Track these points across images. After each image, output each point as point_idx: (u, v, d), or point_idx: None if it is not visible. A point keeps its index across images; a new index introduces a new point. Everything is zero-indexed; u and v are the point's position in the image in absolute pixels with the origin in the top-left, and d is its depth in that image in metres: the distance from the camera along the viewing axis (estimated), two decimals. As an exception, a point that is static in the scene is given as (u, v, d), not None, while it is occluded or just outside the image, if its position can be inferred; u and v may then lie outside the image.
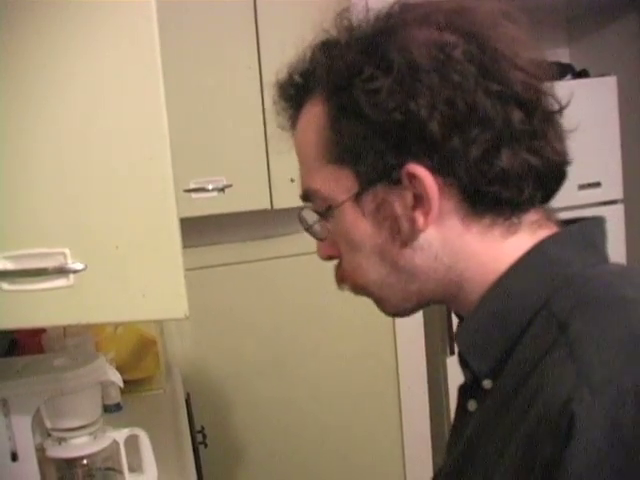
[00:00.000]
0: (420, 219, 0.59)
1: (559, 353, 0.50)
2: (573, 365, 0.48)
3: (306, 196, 0.68)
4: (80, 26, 0.71)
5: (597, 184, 2.11)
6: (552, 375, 0.50)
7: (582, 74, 2.34)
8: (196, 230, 1.77)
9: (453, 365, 2.07)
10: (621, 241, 2.16)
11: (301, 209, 0.69)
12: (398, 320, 2.01)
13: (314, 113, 0.64)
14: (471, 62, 0.56)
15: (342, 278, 0.68)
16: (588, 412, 0.46)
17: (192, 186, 1.58)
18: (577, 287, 0.56)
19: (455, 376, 2.39)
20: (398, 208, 0.60)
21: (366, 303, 0.68)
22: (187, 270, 0.75)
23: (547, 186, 0.61)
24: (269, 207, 1.72)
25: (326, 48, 0.63)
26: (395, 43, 0.57)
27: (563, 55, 2.55)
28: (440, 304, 0.66)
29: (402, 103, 0.56)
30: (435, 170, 0.57)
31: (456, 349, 0.66)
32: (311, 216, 0.68)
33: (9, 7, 0.69)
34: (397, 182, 0.59)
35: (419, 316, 2.03)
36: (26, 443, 0.89)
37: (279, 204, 1.72)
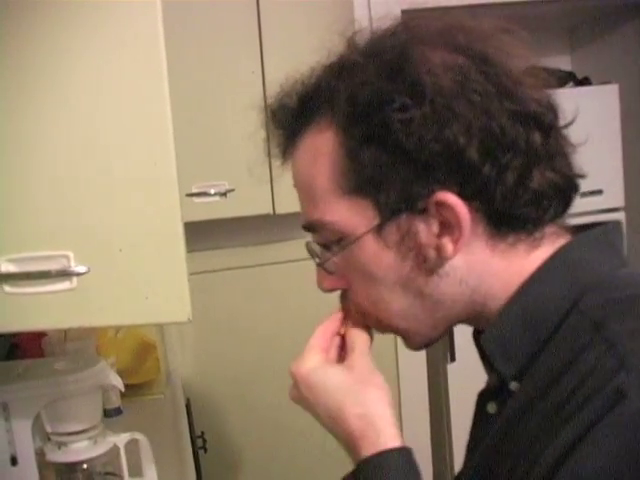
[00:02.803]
0: (448, 246, 0.57)
1: (598, 350, 0.51)
2: (613, 358, 0.49)
3: (312, 228, 0.64)
4: (83, 29, 0.71)
5: (599, 192, 2.11)
6: (595, 369, 0.50)
7: (584, 82, 2.35)
8: (198, 234, 1.77)
9: (454, 372, 2.07)
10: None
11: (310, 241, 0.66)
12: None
13: (322, 141, 0.60)
14: (488, 82, 0.55)
15: (364, 315, 0.66)
16: (633, 383, 0.47)
17: (194, 190, 1.58)
18: (606, 287, 0.56)
19: (455, 383, 2.37)
20: (424, 237, 0.58)
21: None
22: (188, 274, 0.75)
23: (565, 200, 0.60)
24: (271, 212, 1.71)
25: (341, 72, 0.59)
26: (419, 67, 0.55)
27: (565, 63, 2.56)
28: (464, 324, 0.64)
29: (438, 132, 0.54)
30: (465, 197, 0.56)
31: (478, 355, 0.65)
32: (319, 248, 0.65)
33: (10, 7, 0.69)
34: (422, 211, 0.57)
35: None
36: (26, 447, 0.88)
37: (281, 209, 1.71)
